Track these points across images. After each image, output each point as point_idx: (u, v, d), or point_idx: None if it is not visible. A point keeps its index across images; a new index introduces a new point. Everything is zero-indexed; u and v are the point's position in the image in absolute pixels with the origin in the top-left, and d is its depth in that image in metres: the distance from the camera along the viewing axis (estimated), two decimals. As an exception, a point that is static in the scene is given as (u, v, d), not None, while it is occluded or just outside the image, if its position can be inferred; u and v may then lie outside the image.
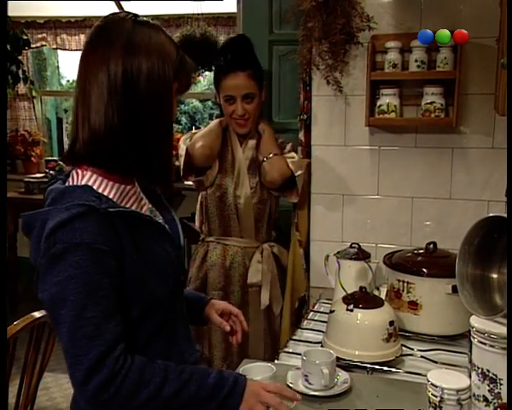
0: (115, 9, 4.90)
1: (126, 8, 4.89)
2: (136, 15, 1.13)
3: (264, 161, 2.02)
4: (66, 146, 5.82)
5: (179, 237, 1.25)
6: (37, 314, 1.68)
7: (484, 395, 1.16)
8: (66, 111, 6.56)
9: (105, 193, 1.09)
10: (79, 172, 1.11)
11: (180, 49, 1.15)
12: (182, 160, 2.06)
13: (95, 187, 1.08)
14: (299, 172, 2.02)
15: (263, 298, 2.05)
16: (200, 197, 2.18)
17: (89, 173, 1.10)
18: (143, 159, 1.10)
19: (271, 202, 2.09)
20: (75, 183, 1.10)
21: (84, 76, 1.09)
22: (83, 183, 1.09)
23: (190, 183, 2.20)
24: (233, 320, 1.41)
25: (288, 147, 2.11)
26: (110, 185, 1.11)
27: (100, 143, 1.07)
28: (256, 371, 1.30)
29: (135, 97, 1.07)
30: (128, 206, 1.14)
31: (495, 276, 1.28)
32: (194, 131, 2.15)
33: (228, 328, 1.38)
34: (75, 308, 0.99)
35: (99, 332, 1.00)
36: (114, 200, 1.10)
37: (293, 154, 2.06)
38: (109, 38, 1.09)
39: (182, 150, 2.06)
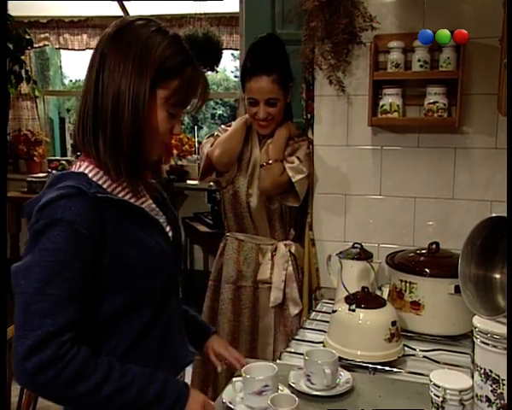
0: (118, 9, 4.91)
1: (129, 8, 4.90)
2: (148, 20, 1.13)
3: (262, 166, 2.03)
4: (68, 146, 5.85)
5: (180, 237, 1.27)
6: (39, 313, 1.67)
7: (486, 396, 1.16)
8: (68, 111, 6.57)
9: (99, 182, 1.10)
10: (78, 163, 1.14)
11: (191, 58, 1.13)
12: (202, 163, 2.12)
13: (90, 175, 1.10)
14: (298, 177, 2.00)
15: (272, 296, 2.05)
16: (220, 194, 2.24)
17: (86, 164, 1.12)
18: (111, 154, 1.09)
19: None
20: (73, 170, 1.12)
21: None
22: (80, 170, 1.11)
23: (193, 182, 2.21)
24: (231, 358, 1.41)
25: (303, 143, 2.09)
26: (106, 177, 1.11)
27: (78, 132, 1.12)
28: (258, 371, 1.30)
29: (102, 94, 1.08)
30: (126, 198, 1.13)
31: (498, 276, 1.27)
32: (217, 133, 2.15)
33: (219, 368, 1.41)
34: (38, 281, 0.99)
35: (54, 312, 0.98)
36: (109, 190, 1.11)
37: (293, 158, 2.04)
38: (103, 36, 1.12)
39: (203, 154, 2.11)
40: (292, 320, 2.06)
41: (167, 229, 1.22)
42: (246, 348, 2.08)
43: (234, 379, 1.31)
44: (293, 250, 2.10)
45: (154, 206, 1.21)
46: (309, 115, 2.19)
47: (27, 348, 0.97)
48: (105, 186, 1.11)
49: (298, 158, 2.04)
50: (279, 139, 2.06)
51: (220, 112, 8.96)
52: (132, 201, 1.15)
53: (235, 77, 8.23)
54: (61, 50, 5.44)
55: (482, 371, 1.17)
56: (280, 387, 1.30)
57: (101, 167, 1.11)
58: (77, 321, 1.02)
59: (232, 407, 1.26)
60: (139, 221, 1.12)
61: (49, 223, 1.01)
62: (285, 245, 2.09)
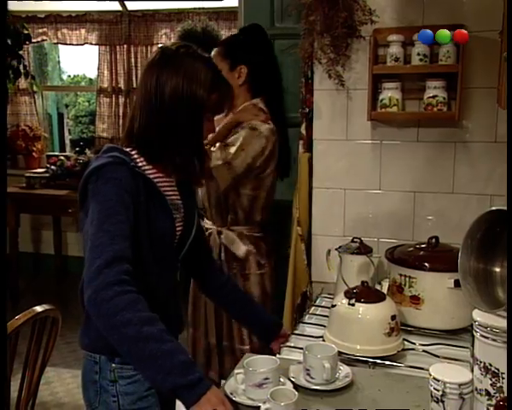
0: (116, 4, 4.89)
1: (128, 3, 4.88)
2: (185, 46, 1.40)
3: None
4: (67, 141, 5.84)
5: (192, 224, 1.48)
6: (38, 309, 1.68)
7: (486, 389, 1.16)
8: (67, 106, 6.55)
9: (137, 161, 1.34)
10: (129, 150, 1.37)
11: (217, 74, 1.40)
12: None
13: (134, 157, 1.35)
14: (213, 164, 1.92)
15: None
16: None
17: (135, 151, 1.36)
18: (169, 153, 1.35)
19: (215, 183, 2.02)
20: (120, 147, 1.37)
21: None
22: (126, 150, 1.35)
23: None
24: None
25: (242, 131, 2.00)
26: (142, 158, 1.36)
27: (140, 135, 1.36)
28: (260, 363, 1.30)
29: (161, 106, 1.32)
30: (162, 189, 1.37)
31: (498, 270, 1.27)
32: None
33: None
34: (97, 224, 1.22)
35: (112, 242, 1.19)
36: (143, 168, 1.35)
37: (217, 144, 1.98)
38: (154, 59, 1.38)
39: None
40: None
41: (178, 215, 1.41)
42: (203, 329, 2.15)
43: (236, 371, 1.33)
44: (222, 237, 2.08)
45: (180, 202, 1.43)
46: (307, 109, 2.18)
47: (94, 270, 1.16)
48: (140, 165, 1.35)
49: (225, 145, 1.98)
50: (222, 126, 2.03)
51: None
52: (164, 190, 1.37)
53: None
54: (59, 45, 5.41)
55: (482, 364, 1.17)
56: (281, 379, 1.31)
57: (154, 165, 1.37)
58: (131, 256, 1.21)
59: (234, 398, 1.27)
60: (159, 202, 1.35)
61: (103, 181, 1.25)
62: (217, 232, 2.09)
